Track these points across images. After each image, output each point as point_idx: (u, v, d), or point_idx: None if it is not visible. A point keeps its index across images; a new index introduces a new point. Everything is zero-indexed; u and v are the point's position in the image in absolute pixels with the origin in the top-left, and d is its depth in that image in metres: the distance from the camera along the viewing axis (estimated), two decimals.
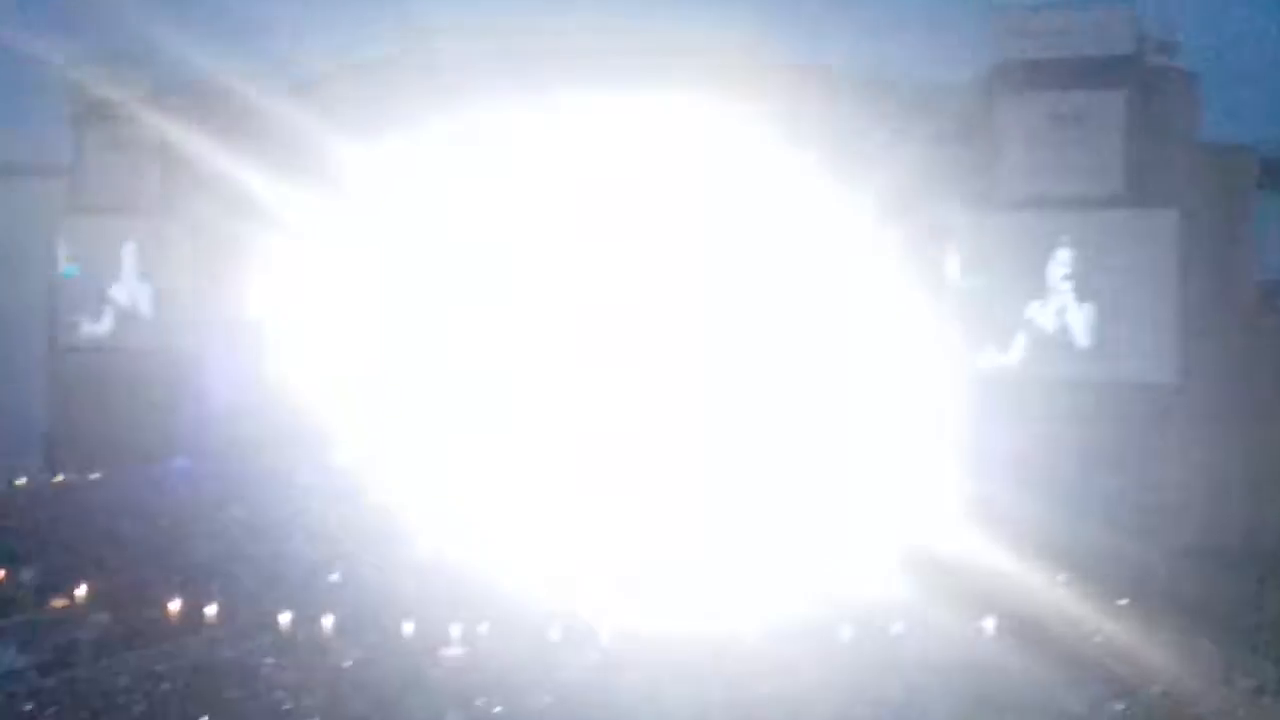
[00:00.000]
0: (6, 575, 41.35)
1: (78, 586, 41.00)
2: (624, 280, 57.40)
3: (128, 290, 59.95)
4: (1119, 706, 30.20)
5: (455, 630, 36.63)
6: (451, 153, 57.26)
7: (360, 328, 60.88)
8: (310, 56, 59.47)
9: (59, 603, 40.72)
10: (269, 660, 35.00)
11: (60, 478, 56.74)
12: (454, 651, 34.85)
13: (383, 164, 58.24)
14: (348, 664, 34.76)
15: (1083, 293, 46.92)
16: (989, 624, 35.71)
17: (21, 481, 54.77)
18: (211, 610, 38.90)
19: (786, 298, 55.17)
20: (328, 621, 37.86)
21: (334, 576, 41.73)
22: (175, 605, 39.34)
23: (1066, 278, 47.09)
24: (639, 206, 55.90)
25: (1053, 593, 39.23)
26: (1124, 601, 38.92)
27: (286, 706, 31.30)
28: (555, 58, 53.84)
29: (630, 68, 53.56)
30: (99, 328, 60.43)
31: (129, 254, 59.65)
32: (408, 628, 37.37)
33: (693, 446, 53.23)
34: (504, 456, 53.52)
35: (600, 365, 57.20)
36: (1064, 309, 47.15)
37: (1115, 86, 46.71)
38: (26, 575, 41.81)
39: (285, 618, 38.16)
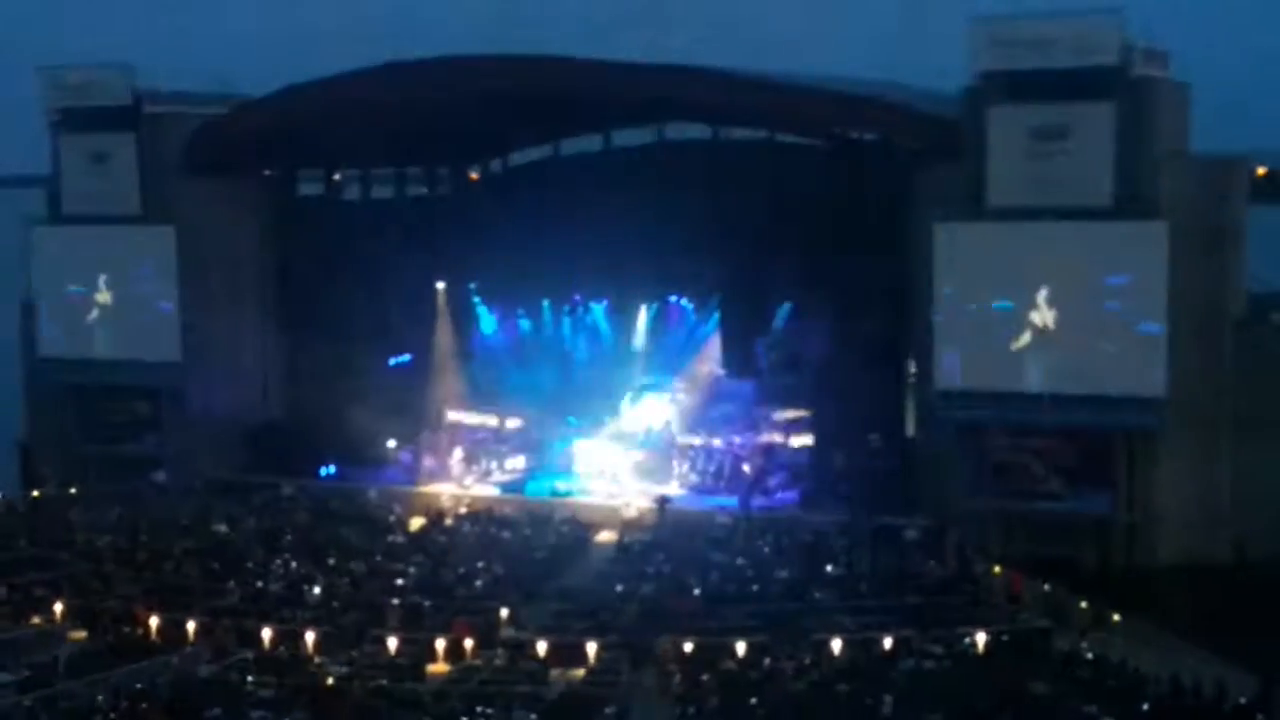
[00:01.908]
0: None
1: (55, 603, 40.56)
2: None
3: (106, 301, 59.30)
4: None
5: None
6: None
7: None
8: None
9: (35, 620, 40.25)
10: (250, 677, 34.54)
11: (37, 491, 56.07)
12: None
13: None
14: (330, 680, 34.34)
15: (1070, 305, 46.65)
16: None
17: None
18: (192, 627, 38.46)
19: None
20: (310, 637, 37.48)
21: (315, 590, 41.23)
22: (155, 621, 38.92)
23: (1054, 290, 46.82)
24: None
25: None
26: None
27: None
28: None
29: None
30: (76, 339, 59.74)
31: (108, 264, 58.99)
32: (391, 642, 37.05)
33: None
34: None
35: None
36: (1052, 321, 46.88)
37: (1102, 98, 46.40)
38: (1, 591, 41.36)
39: (267, 633, 37.76)
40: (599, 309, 60.78)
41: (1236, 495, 46.07)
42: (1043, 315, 46.93)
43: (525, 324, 61.71)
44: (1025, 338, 47.16)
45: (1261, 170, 49.77)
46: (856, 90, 53.17)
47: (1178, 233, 45.41)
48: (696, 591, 40.78)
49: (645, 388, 58.60)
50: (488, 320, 61.91)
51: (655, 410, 58.12)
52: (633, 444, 56.37)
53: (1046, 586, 40.86)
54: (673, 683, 35.08)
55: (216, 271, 58.65)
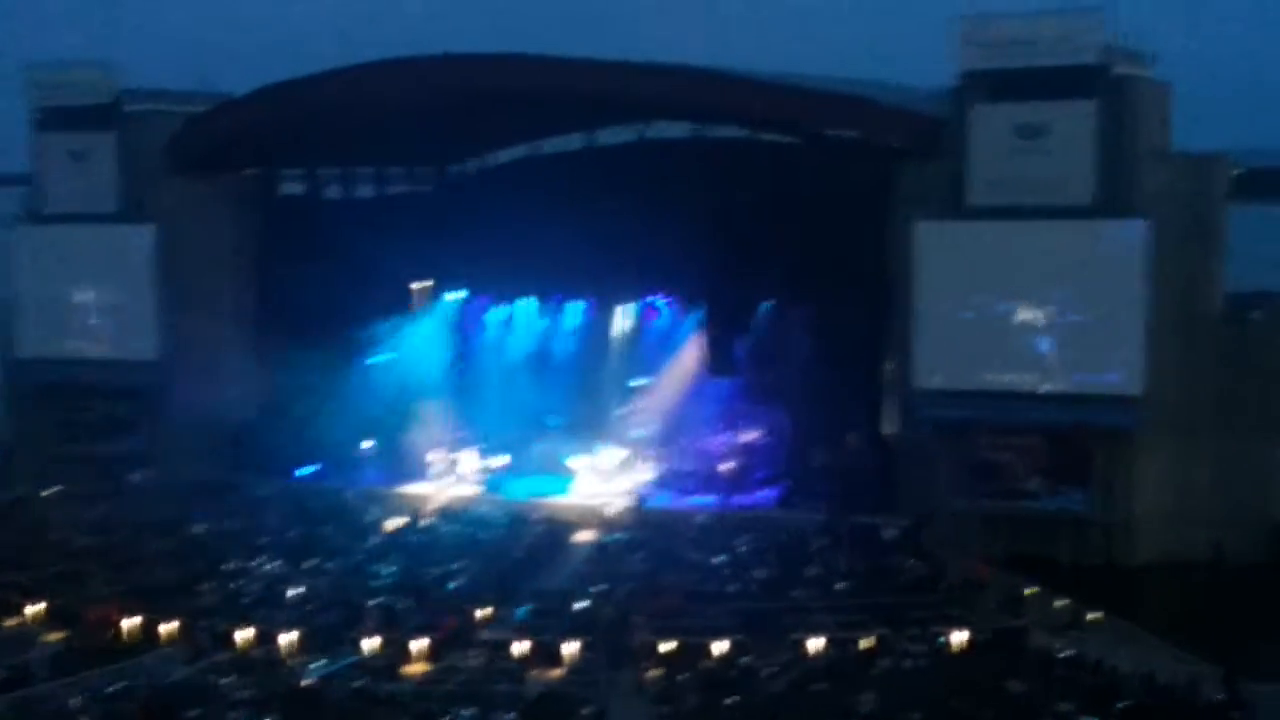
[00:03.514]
0: None
1: (32, 604, 40.37)
2: None
3: (85, 301, 59.02)
4: None
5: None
6: None
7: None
8: None
9: (11, 621, 40.06)
10: (227, 678, 34.40)
11: (15, 492, 55.77)
12: None
13: None
14: (307, 681, 34.23)
15: (1050, 303, 46.69)
16: None
17: None
18: (169, 628, 38.30)
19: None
20: (287, 638, 37.33)
21: (293, 592, 41.08)
22: (132, 622, 38.73)
23: (1034, 289, 46.83)
24: None
25: None
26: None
27: None
28: None
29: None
30: (56, 339, 59.42)
31: (87, 264, 58.70)
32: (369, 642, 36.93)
33: None
34: None
35: None
36: (1031, 320, 46.93)
37: (1083, 96, 46.48)
38: None
39: (244, 634, 37.61)
40: (580, 307, 60.70)
41: (1214, 494, 46.12)
42: (1023, 314, 46.94)
43: (506, 323, 61.65)
44: (1005, 336, 47.17)
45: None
46: (838, 89, 53.10)
47: (1158, 231, 45.48)
48: (674, 591, 40.70)
49: (629, 389, 58.55)
50: (468, 319, 61.81)
51: (635, 410, 58.11)
52: (612, 442, 56.37)
53: (1015, 579, 41.00)
54: (651, 682, 35.06)
55: (196, 271, 58.33)
